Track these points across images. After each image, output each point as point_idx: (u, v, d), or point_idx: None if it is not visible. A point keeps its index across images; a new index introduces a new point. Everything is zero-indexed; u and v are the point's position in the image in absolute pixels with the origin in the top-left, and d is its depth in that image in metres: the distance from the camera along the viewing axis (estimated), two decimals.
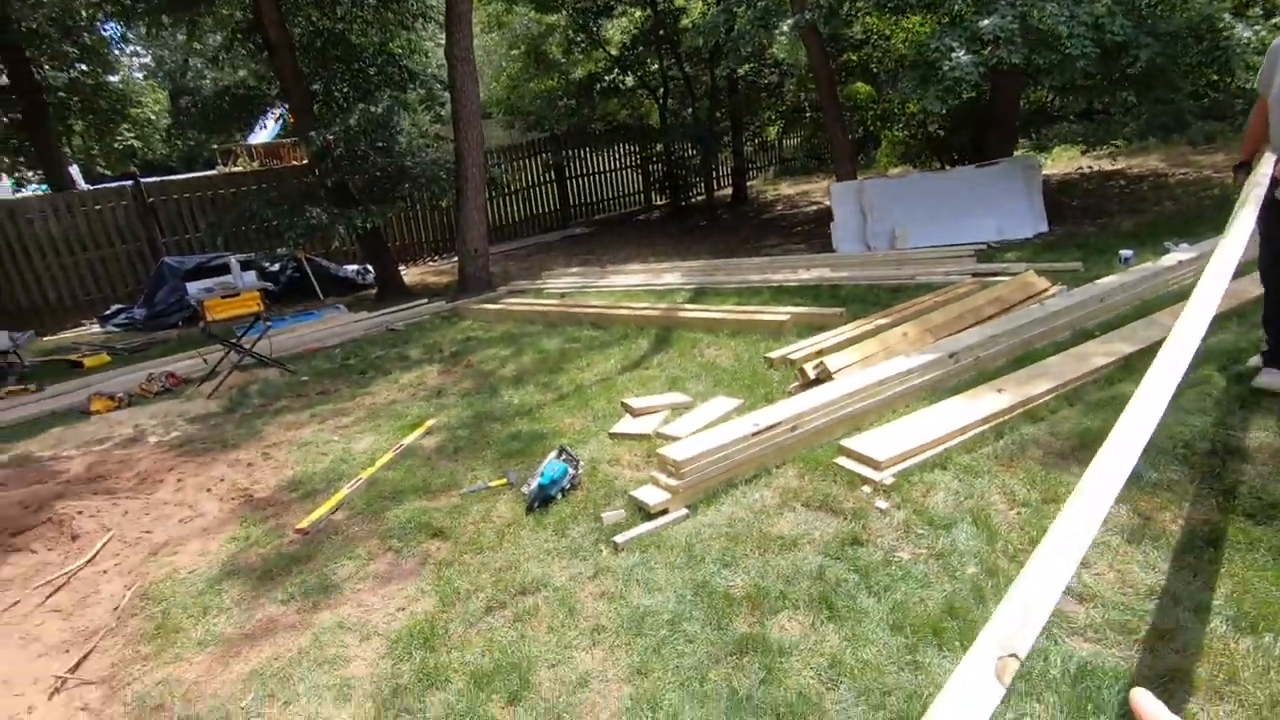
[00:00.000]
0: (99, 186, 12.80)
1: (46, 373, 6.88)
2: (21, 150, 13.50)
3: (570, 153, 13.80)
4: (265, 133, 19.62)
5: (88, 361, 7.17)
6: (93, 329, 9.55)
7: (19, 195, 13.82)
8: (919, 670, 1.98)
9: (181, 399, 5.68)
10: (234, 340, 6.00)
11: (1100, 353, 3.75)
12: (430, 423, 4.42)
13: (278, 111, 10.93)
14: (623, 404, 4.19)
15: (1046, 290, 4.91)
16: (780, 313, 5.35)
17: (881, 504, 2.79)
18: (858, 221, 7.87)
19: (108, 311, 9.56)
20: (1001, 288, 4.86)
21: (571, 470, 3.29)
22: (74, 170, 16.24)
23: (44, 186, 13.88)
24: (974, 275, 5.81)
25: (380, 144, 8.74)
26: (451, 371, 5.59)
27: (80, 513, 3.76)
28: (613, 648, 2.25)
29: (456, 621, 2.48)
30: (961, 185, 7.61)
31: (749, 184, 14.64)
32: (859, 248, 7.76)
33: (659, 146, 13.71)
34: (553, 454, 3.39)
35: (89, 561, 3.29)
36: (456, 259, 9.14)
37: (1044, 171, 8.34)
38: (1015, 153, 8.65)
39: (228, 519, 3.55)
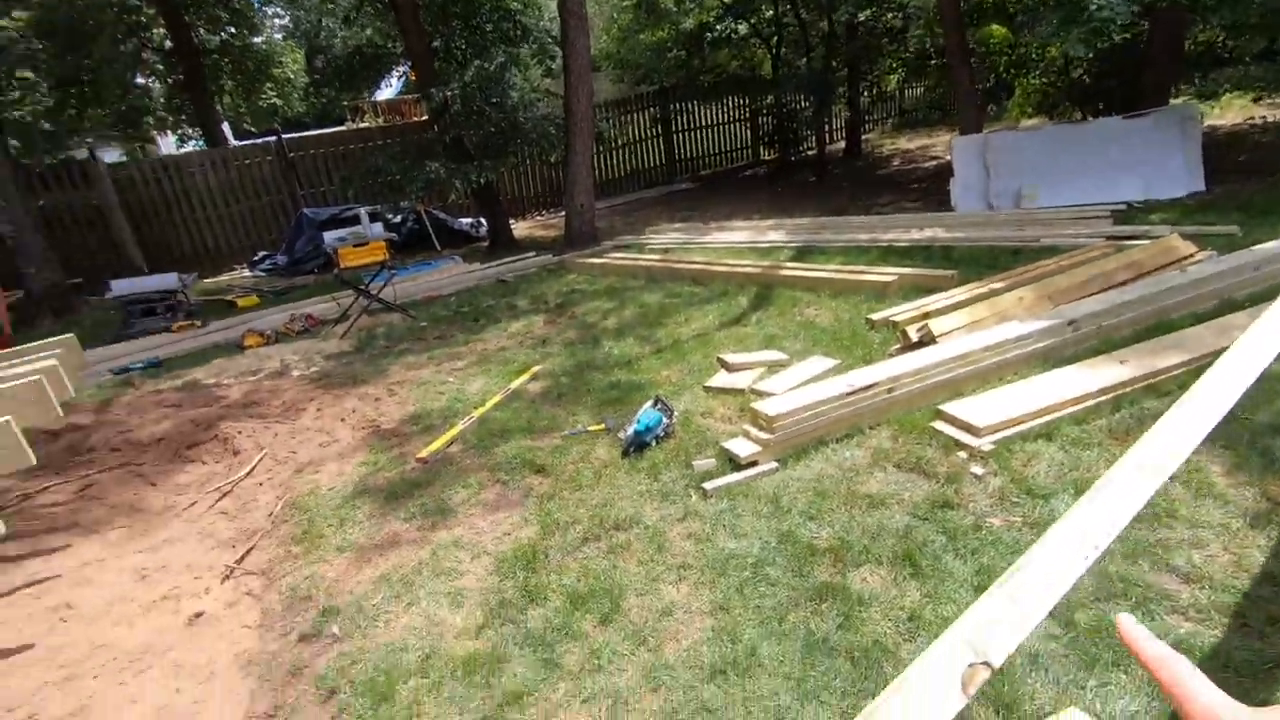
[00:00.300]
0: (246, 143, 14.01)
1: (208, 311, 7.78)
2: (183, 109, 14.97)
3: (677, 106, 13.64)
4: (390, 90, 20.61)
5: (240, 302, 8.03)
6: (243, 273, 10.61)
7: (182, 151, 15.41)
8: None
9: (318, 338, 6.29)
10: (363, 286, 6.53)
11: (1246, 325, 3.42)
12: (536, 369, 4.69)
13: (400, 69, 11.48)
14: (719, 359, 4.27)
15: (1192, 256, 4.48)
16: (886, 273, 5.20)
17: (977, 470, 2.75)
18: (980, 179, 7.38)
19: (255, 257, 10.58)
20: (1138, 252, 4.48)
21: (666, 419, 3.42)
22: (225, 127, 17.80)
23: (200, 143, 15.37)
24: (1108, 239, 5.37)
25: (494, 99, 9.03)
26: (556, 322, 5.85)
27: (239, 433, 4.33)
28: (697, 584, 2.39)
29: (555, 549, 2.71)
30: (1103, 138, 6.94)
31: (864, 138, 13.96)
32: (980, 207, 7.30)
33: (769, 99, 13.29)
34: (649, 403, 3.53)
35: (248, 474, 3.80)
36: (564, 214, 9.39)
37: (1206, 122, 7.44)
38: (1173, 101, 7.75)
39: (359, 445, 3.97)
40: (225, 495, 3.64)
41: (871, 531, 2.50)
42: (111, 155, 13.98)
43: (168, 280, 7.51)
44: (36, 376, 3.01)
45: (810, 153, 13.71)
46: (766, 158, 14.62)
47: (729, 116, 14.42)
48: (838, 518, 2.61)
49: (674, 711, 1.90)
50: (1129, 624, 0.51)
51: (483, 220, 10.44)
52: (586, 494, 3.05)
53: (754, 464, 3.00)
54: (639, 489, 3.03)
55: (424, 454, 3.66)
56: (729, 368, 4.13)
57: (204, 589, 2.87)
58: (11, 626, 2.77)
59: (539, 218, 12.57)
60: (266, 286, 9.05)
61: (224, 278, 10.53)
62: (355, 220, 7.14)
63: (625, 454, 3.30)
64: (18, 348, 3.77)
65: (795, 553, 2.45)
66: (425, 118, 11.09)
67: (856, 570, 2.33)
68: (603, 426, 3.63)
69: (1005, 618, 0.93)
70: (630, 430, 3.34)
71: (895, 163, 12.19)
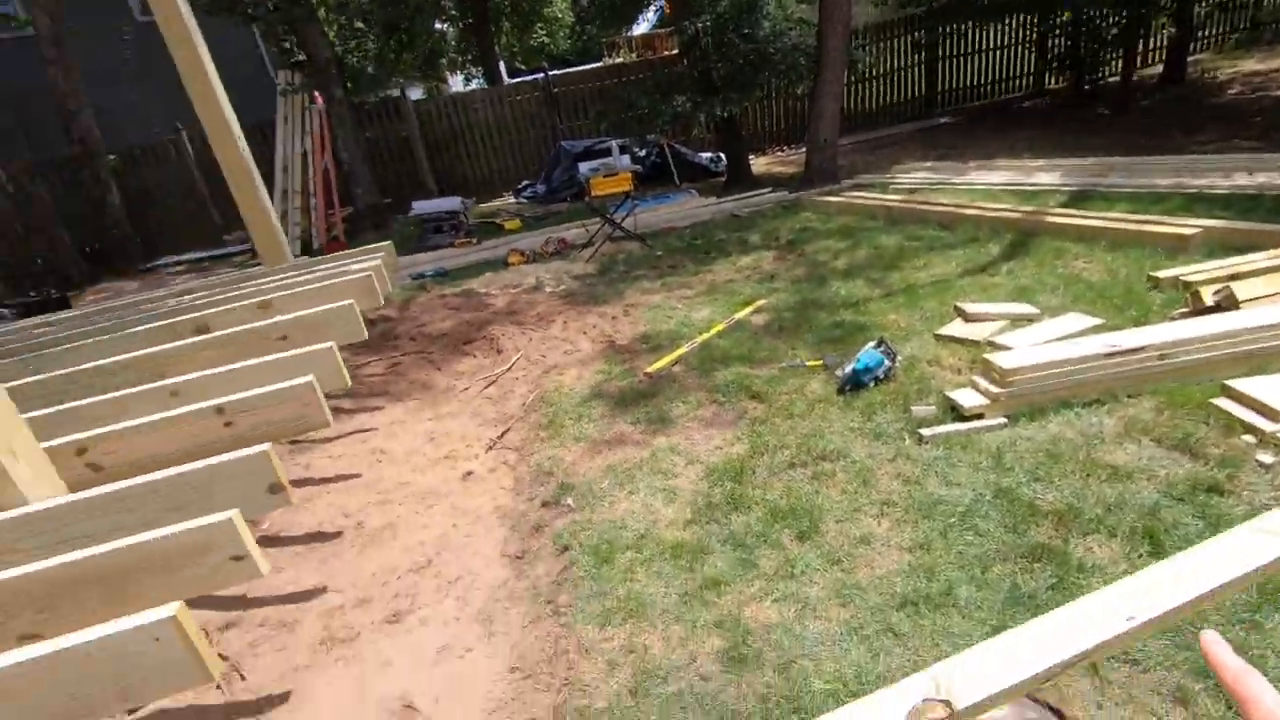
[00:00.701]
0: (517, 80, 15.48)
1: (481, 231, 8.99)
2: (469, 50, 16.91)
3: (947, 29, 12.23)
4: (644, 25, 21.17)
5: (506, 225, 9.15)
6: (508, 199, 11.99)
7: (467, 89, 17.50)
8: (1255, 629, 1.77)
9: (568, 260, 7.00)
10: (608, 215, 7.08)
11: None
12: (760, 302, 4.81)
13: (656, 3, 11.76)
14: (956, 307, 4.01)
15: None
16: (1186, 225, 4.38)
17: (1265, 458, 2.35)
18: None
19: (519, 185, 11.87)
20: None
21: (888, 362, 3.36)
22: (500, 66, 19.78)
23: (481, 81, 17.30)
24: None
25: (745, 30, 8.92)
26: (785, 258, 5.86)
27: (503, 335, 5.08)
28: (899, 521, 2.42)
29: (762, 468, 2.88)
30: None
31: (1190, 59, 11.38)
32: None
33: (1064, 15, 11.34)
34: (871, 344, 3.49)
35: (508, 369, 4.49)
36: (805, 149, 9.13)
37: None
38: None
39: (596, 356, 4.46)
40: (490, 384, 4.35)
41: (1109, 503, 2.30)
42: (414, 94, 16.39)
43: (452, 203, 8.81)
44: (368, 272, 3.85)
45: (1111, 79, 11.56)
46: (1052, 86, 12.64)
47: (1009, 39, 12.63)
48: (1069, 483, 2.43)
49: (860, 626, 2.01)
50: (1212, 640, 0.52)
51: (721, 155, 10.55)
52: (797, 423, 3.16)
53: (979, 416, 2.86)
54: (850, 425, 3.06)
55: (651, 369, 4.01)
56: (967, 317, 3.87)
57: (474, 454, 3.54)
58: (345, 460, 3.67)
59: (779, 153, 12.34)
60: (527, 212, 10.16)
61: (494, 203, 12.00)
62: (607, 152, 7.69)
63: (840, 391, 3.33)
64: (349, 250, 4.79)
65: (1012, 510, 2.35)
66: (675, 51, 11.32)
67: (1082, 539, 2.18)
68: (821, 363, 3.67)
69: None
70: (849, 368, 3.35)
71: (1232, 90, 9.83)
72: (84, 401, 2.72)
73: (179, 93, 4.30)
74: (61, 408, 2.60)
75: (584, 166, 6.95)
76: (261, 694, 2.20)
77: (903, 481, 2.62)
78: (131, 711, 2.11)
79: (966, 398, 2.94)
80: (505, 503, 3.06)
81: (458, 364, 4.78)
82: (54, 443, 2.32)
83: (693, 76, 9.10)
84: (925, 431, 2.85)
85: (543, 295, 5.99)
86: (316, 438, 3.88)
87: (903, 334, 3.87)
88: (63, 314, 5.40)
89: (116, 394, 2.76)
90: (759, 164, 11.09)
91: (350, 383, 2.99)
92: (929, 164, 8.37)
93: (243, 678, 2.27)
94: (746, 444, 3.07)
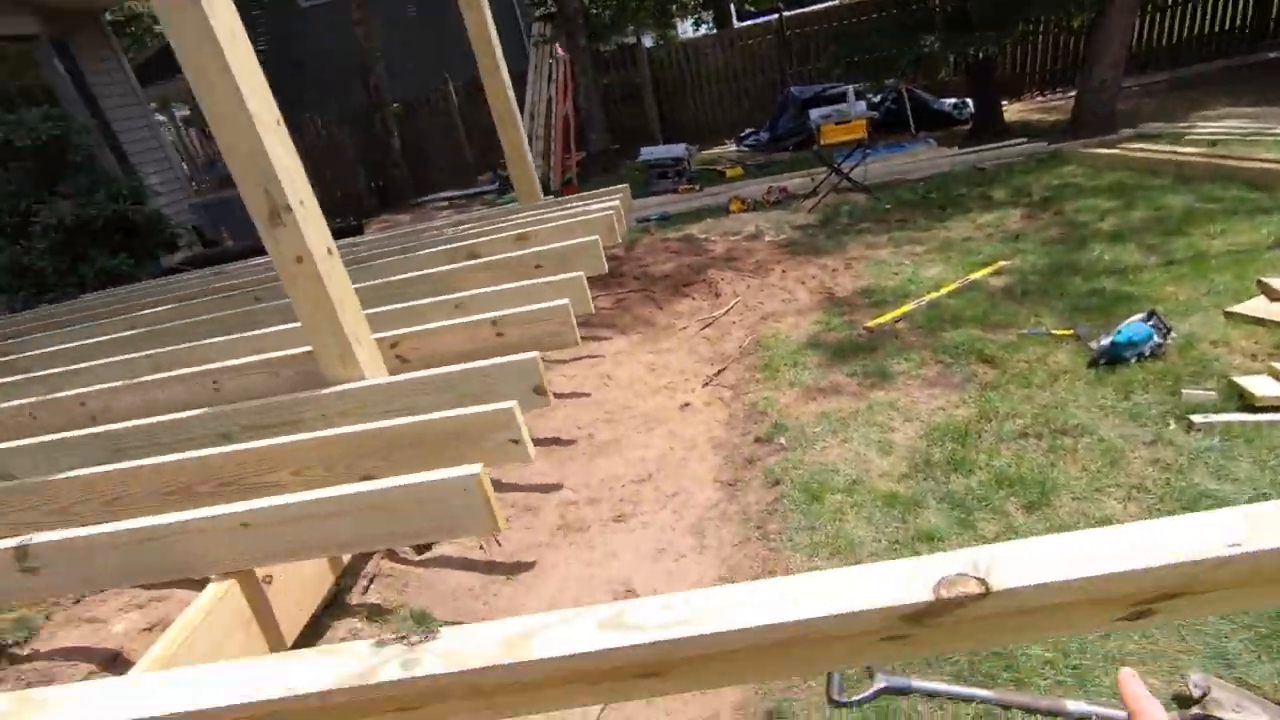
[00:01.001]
0: (748, 23, 15.16)
1: (703, 178, 9.16)
2: None
3: None
4: None
5: (728, 173, 9.21)
6: (729, 147, 11.98)
7: (696, 35, 17.51)
8: None
9: (789, 210, 6.93)
10: (836, 164, 6.85)
11: None
12: (1002, 264, 4.43)
13: None
14: (1259, 282, 3.38)
15: None
16: None
17: None
18: None
19: (742, 133, 11.79)
20: None
21: (1158, 338, 2.98)
22: (730, 9, 19.43)
23: (710, 26, 17.18)
24: None
25: None
26: (1036, 217, 5.28)
27: (722, 280, 5.24)
28: (1151, 510, 2.20)
29: (989, 434, 2.75)
30: None
31: None
32: None
33: None
34: (1138, 316, 3.10)
35: (725, 313, 4.66)
36: (1074, 93, 7.98)
37: None
38: None
39: (814, 307, 4.45)
40: (708, 326, 4.56)
41: None
42: (646, 42, 16.77)
43: (677, 150, 9.04)
44: (609, 212, 4.19)
45: None
46: None
47: None
48: None
49: None
50: (1128, 675, 0.63)
51: (968, 101, 9.56)
52: (1035, 393, 2.95)
53: (1275, 409, 2.46)
54: (1100, 402, 2.79)
55: (872, 324, 3.93)
56: (1273, 294, 3.26)
57: (690, 388, 3.78)
58: (578, 381, 4.11)
59: (1038, 99, 10.86)
60: (749, 160, 10.11)
61: (715, 150, 12.07)
62: (839, 99, 7.37)
63: (1093, 364, 3.03)
64: (590, 192, 5.21)
65: None
66: None
67: None
68: (1071, 332, 3.34)
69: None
70: (1107, 340, 3.02)
71: None
72: (392, 307, 3.35)
73: (446, 48, 4.92)
74: (378, 310, 3.24)
75: (815, 113, 6.75)
76: (513, 559, 2.65)
77: (1160, 468, 2.36)
78: (422, 548, 2.67)
79: (1262, 385, 2.53)
80: (719, 434, 3.26)
81: (677, 304, 5.05)
82: (375, 337, 2.92)
83: (944, 13, 8.31)
84: (1197, 418, 2.52)
85: (762, 243, 6.03)
86: (553, 359, 4.38)
87: (1181, 308, 3.37)
88: (361, 238, 6.56)
89: (415, 302, 3.36)
90: (1012, 111, 9.88)
91: (594, 309, 3.34)
92: (1246, 110, 6.91)
93: (499, 544, 2.75)
94: (974, 408, 2.94)
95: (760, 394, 3.47)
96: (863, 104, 6.80)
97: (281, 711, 0.72)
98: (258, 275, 5.16)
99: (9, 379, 3.61)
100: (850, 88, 7.07)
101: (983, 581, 0.64)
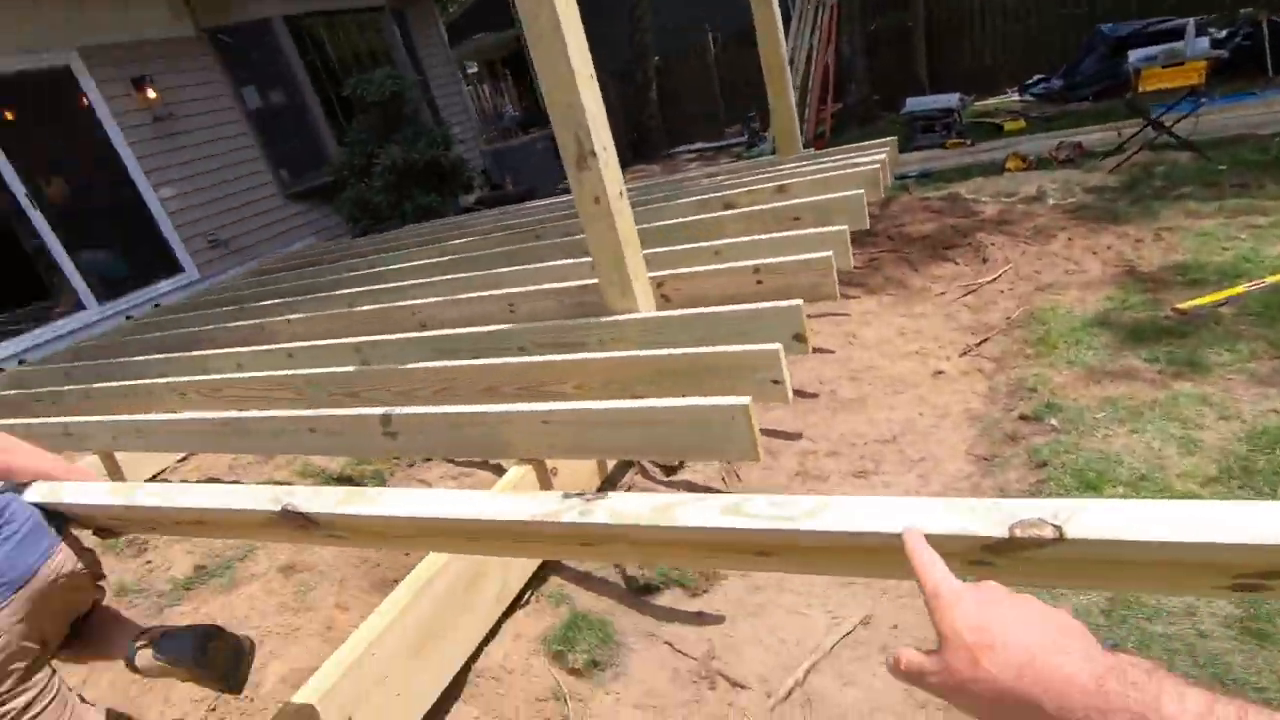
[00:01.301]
0: None
1: (975, 132, 8.28)
2: None
3: None
4: None
5: (1007, 126, 8.22)
6: (1012, 96, 10.59)
7: None
8: None
9: (1083, 169, 6.03)
10: (1154, 117, 5.77)
11: None
12: None
13: None
14: None
15: None
16: None
17: None
18: None
19: (1029, 81, 10.34)
20: None
21: None
22: None
23: None
24: None
25: None
26: None
27: (991, 244, 4.79)
28: None
29: None
30: None
31: None
32: None
33: None
34: None
35: (993, 280, 4.28)
36: None
37: None
38: None
39: (1107, 281, 3.90)
40: (970, 292, 4.23)
41: None
42: None
43: (949, 100, 8.25)
44: (876, 165, 4.04)
45: None
46: None
47: None
48: None
49: None
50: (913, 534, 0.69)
51: None
52: None
53: None
54: None
55: (1185, 306, 3.36)
56: None
57: (945, 356, 3.58)
58: (822, 338, 4.09)
59: None
60: (1035, 111, 8.91)
61: (991, 100, 10.78)
62: (1167, 36, 6.14)
63: None
64: (852, 145, 5.02)
65: None
66: None
67: None
68: None
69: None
70: None
71: None
72: (656, 250, 3.62)
73: None
74: (647, 251, 3.53)
75: (1135, 54, 5.71)
76: None
77: None
78: (670, 470, 2.93)
79: None
80: (976, 407, 3.07)
81: (935, 268, 4.73)
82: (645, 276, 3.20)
83: None
84: None
85: (1044, 207, 5.36)
86: None
87: None
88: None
89: (677, 247, 3.59)
90: None
91: (853, 265, 3.29)
92: None
93: (739, 479, 2.92)
94: None
95: (1030, 370, 3.17)
96: (1205, 40, 5.60)
97: (494, 527, 1.07)
98: (537, 216, 5.84)
99: (372, 287, 4.56)
100: (1191, 21, 5.85)
101: (1058, 529, 0.68)
